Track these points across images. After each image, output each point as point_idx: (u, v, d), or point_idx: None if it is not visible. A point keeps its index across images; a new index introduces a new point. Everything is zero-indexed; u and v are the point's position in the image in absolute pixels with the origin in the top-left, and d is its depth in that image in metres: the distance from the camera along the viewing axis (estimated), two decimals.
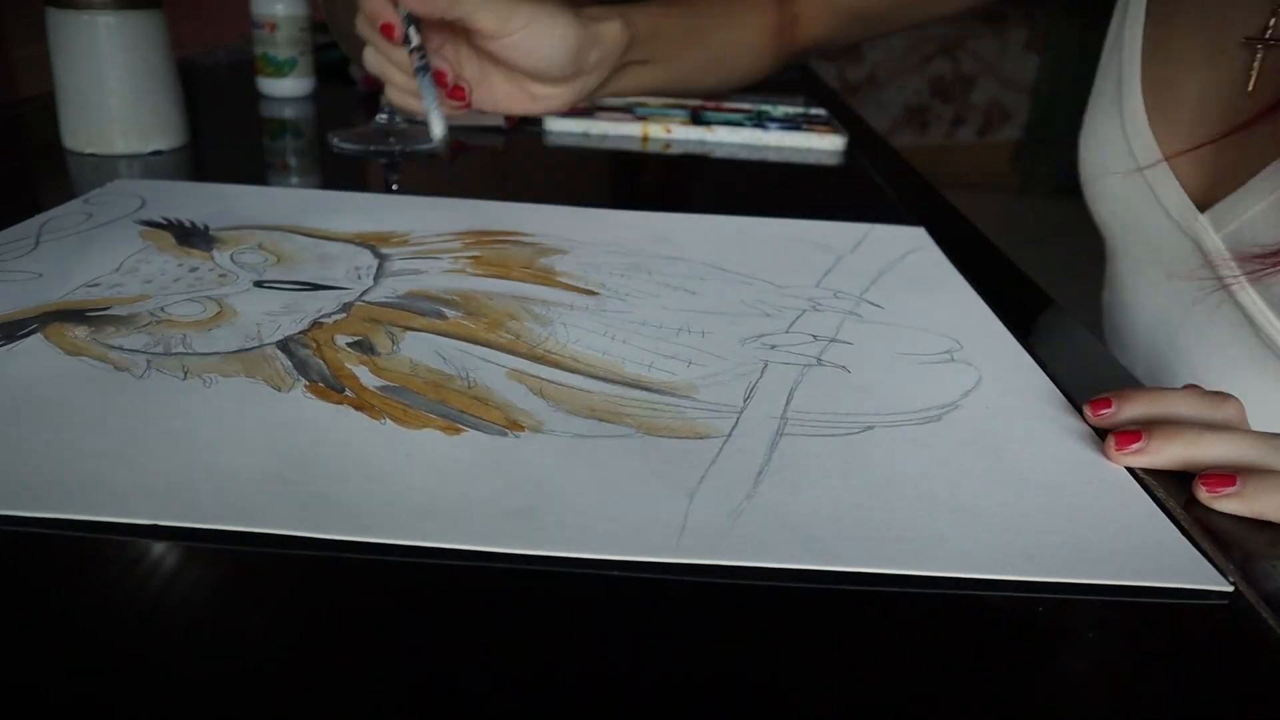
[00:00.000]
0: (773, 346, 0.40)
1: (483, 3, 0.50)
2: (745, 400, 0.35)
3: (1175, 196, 0.50)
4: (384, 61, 0.54)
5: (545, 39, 0.51)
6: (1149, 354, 0.55)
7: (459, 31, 0.53)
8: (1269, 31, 0.47)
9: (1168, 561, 0.28)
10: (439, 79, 0.52)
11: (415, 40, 0.52)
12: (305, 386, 0.34)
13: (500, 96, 0.55)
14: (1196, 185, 0.50)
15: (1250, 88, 0.48)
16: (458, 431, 0.32)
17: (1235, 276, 0.46)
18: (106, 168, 0.62)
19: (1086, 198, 0.58)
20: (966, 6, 0.71)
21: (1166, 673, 0.24)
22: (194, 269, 0.44)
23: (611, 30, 0.55)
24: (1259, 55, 0.47)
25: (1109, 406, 0.35)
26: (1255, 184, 0.45)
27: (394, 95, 0.55)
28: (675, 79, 0.65)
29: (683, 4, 0.64)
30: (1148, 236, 0.53)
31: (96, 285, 0.42)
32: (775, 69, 0.72)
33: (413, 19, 0.51)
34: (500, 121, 0.80)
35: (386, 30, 0.50)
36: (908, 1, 0.70)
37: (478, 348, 0.38)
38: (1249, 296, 0.46)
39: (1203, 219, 0.48)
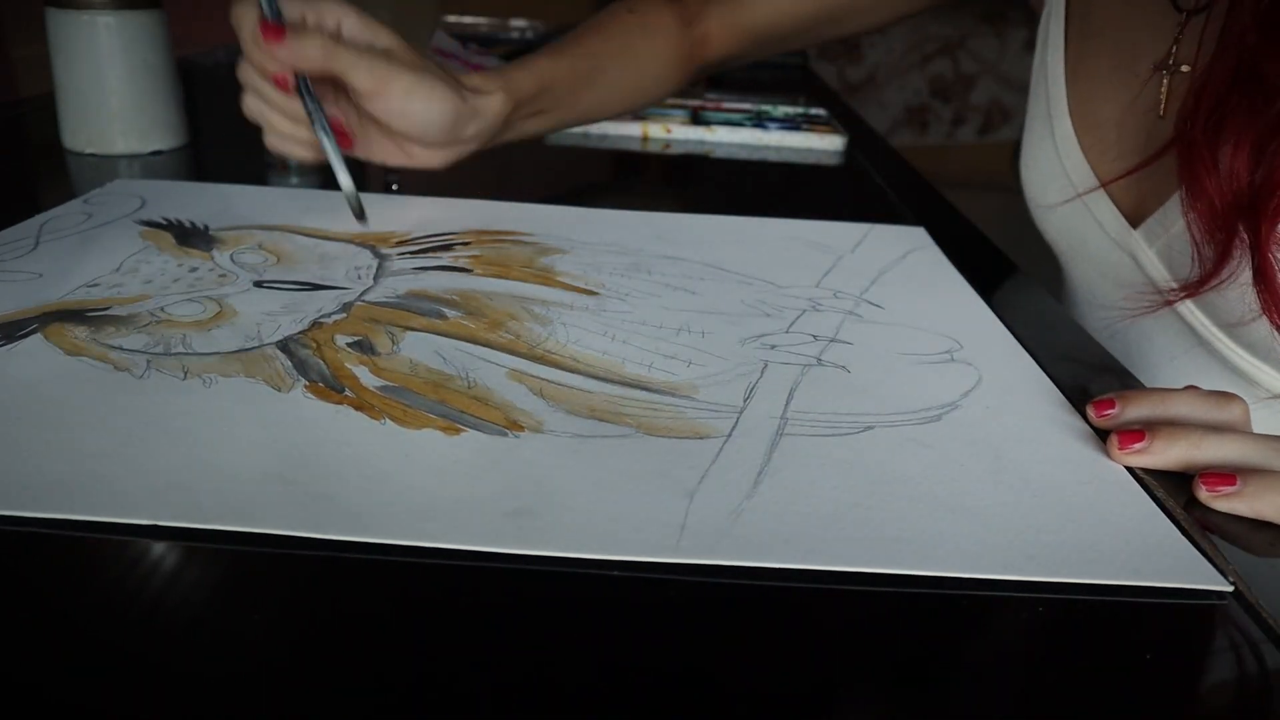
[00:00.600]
0: (773, 346, 0.40)
1: (361, 62, 0.48)
2: (745, 400, 0.35)
3: (1110, 215, 0.52)
4: (264, 107, 0.52)
5: (422, 108, 0.50)
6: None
7: (337, 81, 0.51)
8: (1171, 58, 0.49)
9: (1168, 561, 0.28)
10: (335, 127, 0.51)
11: (309, 100, 0.50)
12: (305, 386, 0.34)
13: (375, 149, 0.54)
14: (1128, 203, 0.52)
15: (1161, 112, 0.49)
16: (457, 431, 0.32)
17: (1168, 298, 0.47)
18: (106, 168, 0.62)
19: (1034, 218, 0.60)
20: (881, 21, 0.70)
21: (1167, 672, 0.24)
22: (194, 269, 0.44)
23: (492, 104, 0.54)
24: (1165, 80, 0.49)
25: (1113, 407, 0.35)
26: (1176, 200, 0.46)
27: (273, 141, 0.53)
28: (572, 119, 0.64)
29: (573, 47, 0.63)
30: (1090, 253, 0.55)
31: (96, 285, 0.42)
32: (685, 86, 0.72)
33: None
34: None
35: (280, 82, 0.49)
36: (809, 25, 0.70)
37: (478, 348, 0.38)
38: (1186, 306, 0.47)
39: (1136, 234, 0.50)
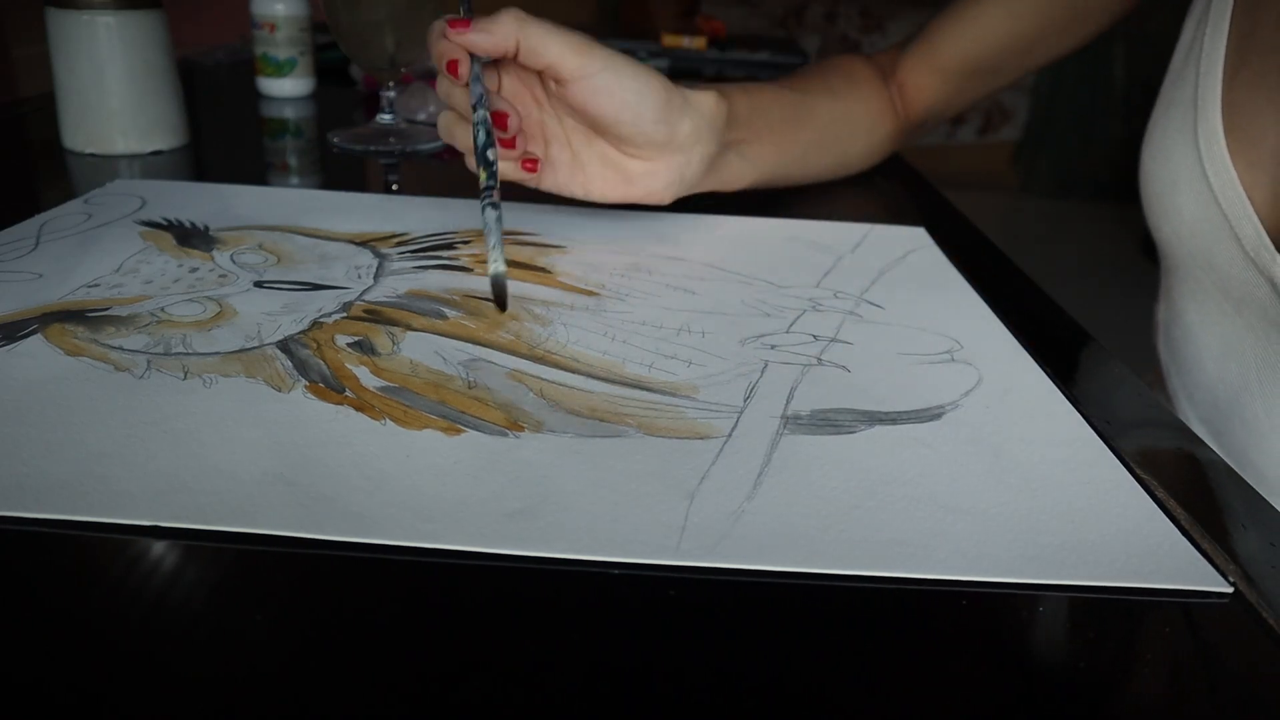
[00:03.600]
0: (773, 346, 0.40)
1: (557, 34, 0.44)
2: (745, 400, 0.35)
3: (1251, 231, 0.47)
4: (455, 123, 0.48)
5: (629, 82, 0.46)
6: (1216, 382, 0.53)
7: (544, 97, 0.49)
8: None
9: (1168, 562, 0.28)
10: (499, 121, 0.45)
11: (480, 126, 0.44)
12: (306, 387, 0.34)
13: (592, 177, 0.50)
14: (1276, 221, 0.46)
15: None
16: (458, 432, 0.32)
17: None
18: (106, 168, 0.62)
19: (1147, 212, 0.55)
20: (1067, 49, 0.65)
21: (1167, 673, 0.24)
22: (194, 269, 0.44)
23: (706, 100, 0.50)
24: None
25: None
26: None
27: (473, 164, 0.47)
28: (786, 161, 0.58)
29: (779, 82, 0.60)
30: (1216, 264, 0.50)
31: (97, 286, 0.42)
32: (895, 147, 0.69)
33: (483, 110, 0.44)
34: None
35: (451, 68, 0.44)
36: (999, 58, 0.65)
37: (478, 348, 0.38)
38: None
39: None
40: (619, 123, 0.47)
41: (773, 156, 0.57)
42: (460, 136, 0.48)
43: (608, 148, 0.49)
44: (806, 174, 0.62)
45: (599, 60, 0.45)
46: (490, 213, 0.40)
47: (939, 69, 0.66)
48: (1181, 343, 0.57)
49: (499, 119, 0.45)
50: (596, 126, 0.48)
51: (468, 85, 0.46)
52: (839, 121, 0.63)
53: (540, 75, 0.48)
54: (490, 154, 0.43)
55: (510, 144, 0.47)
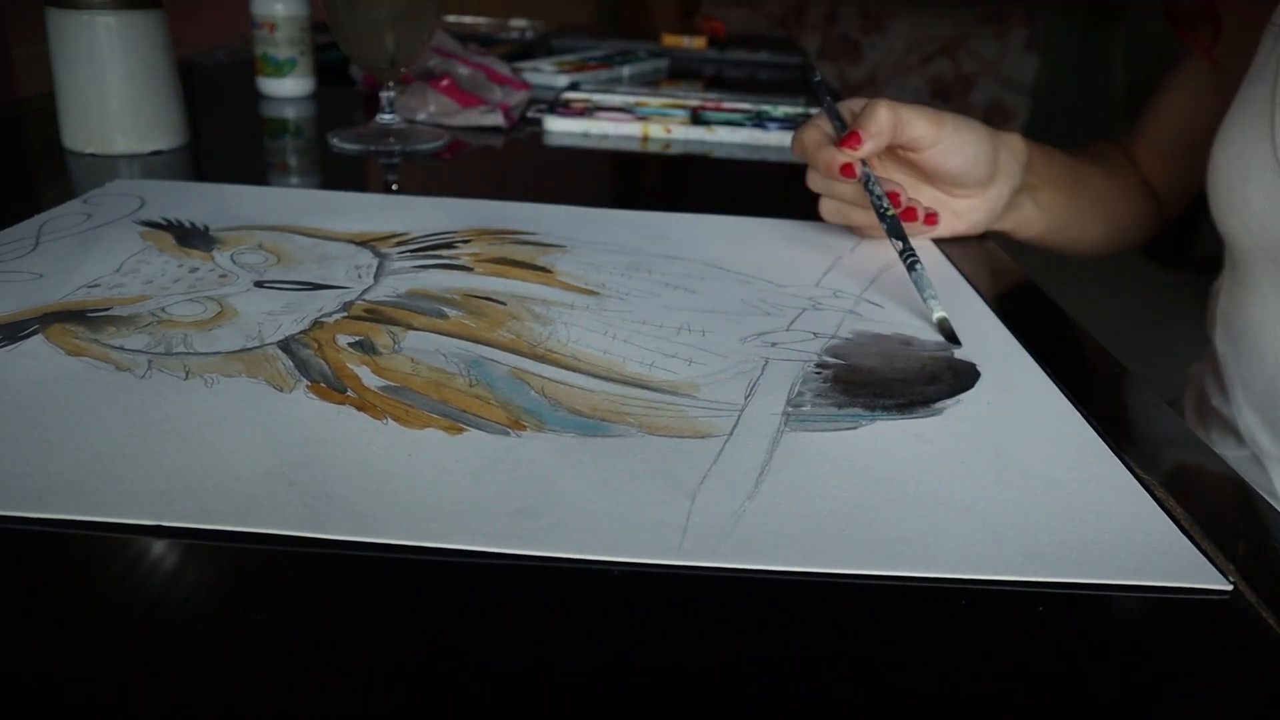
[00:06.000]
0: (773, 344, 0.40)
1: (918, 113, 0.51)
2: (746, 398, 0.35)
3: None
4: (848, 210, 0.55)
5: (969, 141, 0.53)
6: (1276, 371, 0.55)
7: (886, 161, 0.56)
8: None
9: (1167, 561, 0.28)
10: (893, 199, 0.51)
11: (874, 186, 0.51)
12: (307, 386, 0.34)
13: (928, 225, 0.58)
14: None
15: None
16: (460, 431, 0.32)
17: None
18: (106, 168, 0.62)
19: (1214, 205, 0.57)
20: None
21: (1166, 673, 0.24)
22: (194, 269, 0.44)
23: (1015, 139, 0.57)
24: None
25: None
26: None
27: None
28: (1069, 215, 0.64)
29: (1048, 149, 0.64)
30: None
31: (97, 286, 0.42)
32: (1158, 229, 0.72)
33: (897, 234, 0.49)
34: (500, 121, 0.80)
35: (847, 170, 0.51)
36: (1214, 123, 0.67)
37: (479, 346, 0.38)
38: None
39: None
40: (963, 174, 0.54)
41: (1059, 208, 0.62)
42: (856, 217, 0.55)
43: (936, 191, 0.56)
44: (1084, 239, 0.67)
45: (948, 125, 0.52)
46: (919, 269, 0.46)
47: (1155, 154, 0.70)
48: (1242, 333, 0.58)
49: (892, 198, 0.51)
50: (936, 177, 0.55)
51: (856, 179, 0.51)
52: (1110, 190, 0.67)
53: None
54: (903, 234, 0.49)
55: (910, 215, 0.52)
